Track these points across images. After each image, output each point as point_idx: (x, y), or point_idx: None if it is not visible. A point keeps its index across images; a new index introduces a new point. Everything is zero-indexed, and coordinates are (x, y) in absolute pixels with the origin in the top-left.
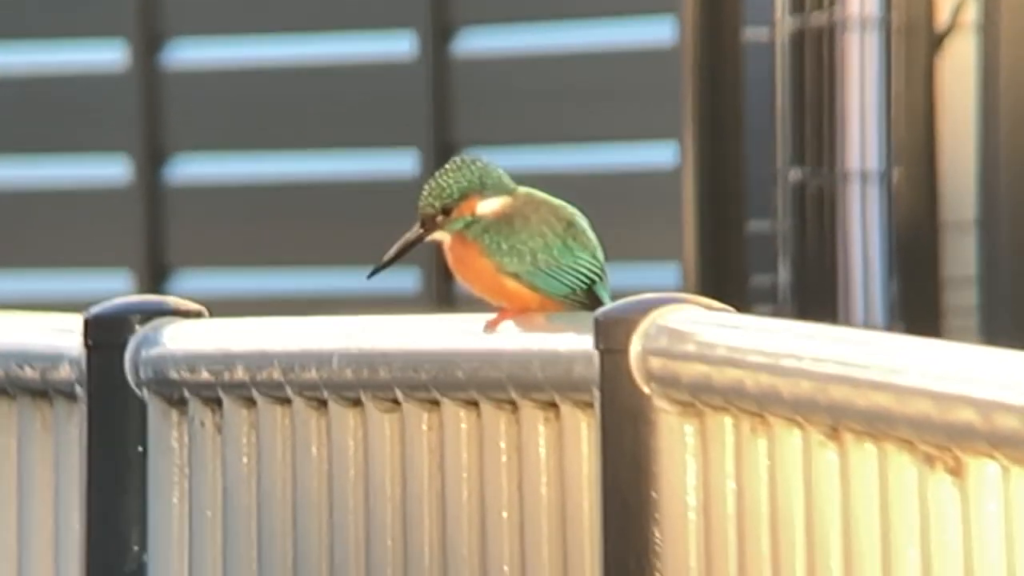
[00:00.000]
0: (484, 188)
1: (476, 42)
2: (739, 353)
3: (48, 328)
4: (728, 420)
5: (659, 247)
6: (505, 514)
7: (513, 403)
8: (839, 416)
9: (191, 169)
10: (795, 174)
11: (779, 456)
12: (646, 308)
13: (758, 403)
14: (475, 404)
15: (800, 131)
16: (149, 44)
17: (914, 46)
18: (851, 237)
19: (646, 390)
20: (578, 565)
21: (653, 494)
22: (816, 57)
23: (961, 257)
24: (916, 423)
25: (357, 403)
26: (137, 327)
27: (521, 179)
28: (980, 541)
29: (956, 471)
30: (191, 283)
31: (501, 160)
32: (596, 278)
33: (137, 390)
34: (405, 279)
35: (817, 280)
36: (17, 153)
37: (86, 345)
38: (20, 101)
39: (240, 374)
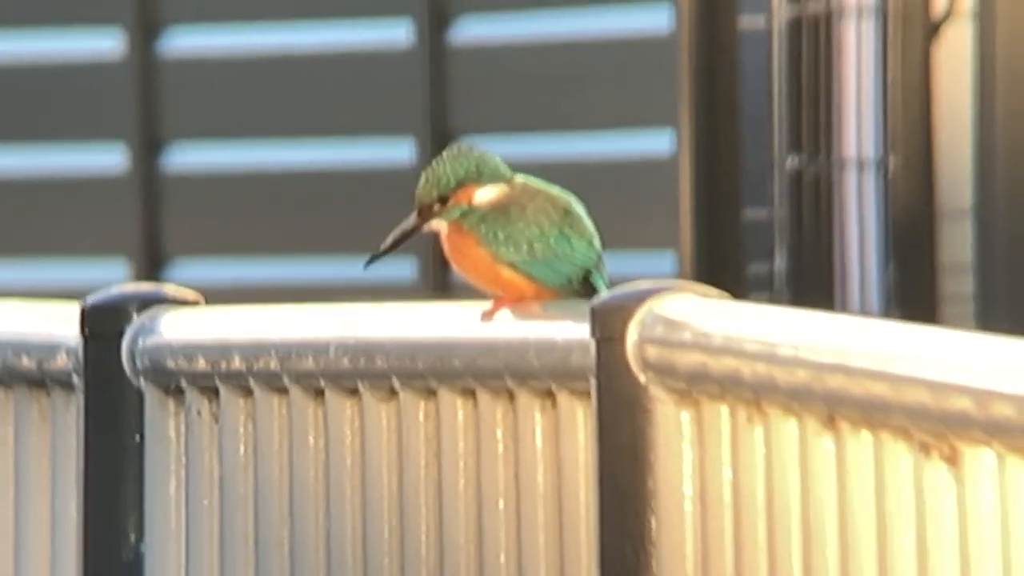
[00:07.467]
0: (481, 177)
1: (472, 30)
2: (735, 341)
3: (45, 317)
4: (724, 409)
5: (655, 235)
6: (501, 503)
7: (510, 392)
8: (835, 405)
9: (188, 157)
10: (792, 162)
11: (775, 445)
12: (642, 296)
13: (754, 391)
14: (472, 393)
15: (797, 119)
16: (146, 32)
17: (910, 34)
18: (848, 225)
19: (642, 379)
20: (574, 554)
21: (649, 483)
22: (813, 45)
23: (957, 244)
24: (912, 412)
25: (354, 392)
26: (134, 316)
27: (518, 167)
28: (976, 529)
29: (952, 459)
30: (188, 272)
31: (498, 148)
32: (592, 267)
33: (134, 379)
34: (402, 268)
35: (813, 268)
36: (13, 141)
37: (83, 334)
38: (16, 89)
39: (237, 363)
